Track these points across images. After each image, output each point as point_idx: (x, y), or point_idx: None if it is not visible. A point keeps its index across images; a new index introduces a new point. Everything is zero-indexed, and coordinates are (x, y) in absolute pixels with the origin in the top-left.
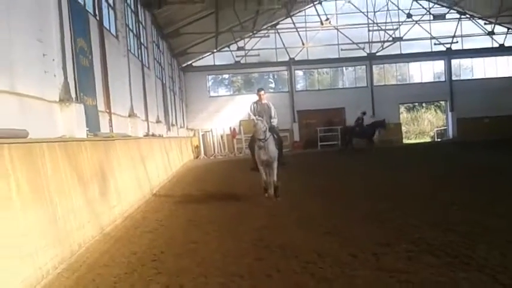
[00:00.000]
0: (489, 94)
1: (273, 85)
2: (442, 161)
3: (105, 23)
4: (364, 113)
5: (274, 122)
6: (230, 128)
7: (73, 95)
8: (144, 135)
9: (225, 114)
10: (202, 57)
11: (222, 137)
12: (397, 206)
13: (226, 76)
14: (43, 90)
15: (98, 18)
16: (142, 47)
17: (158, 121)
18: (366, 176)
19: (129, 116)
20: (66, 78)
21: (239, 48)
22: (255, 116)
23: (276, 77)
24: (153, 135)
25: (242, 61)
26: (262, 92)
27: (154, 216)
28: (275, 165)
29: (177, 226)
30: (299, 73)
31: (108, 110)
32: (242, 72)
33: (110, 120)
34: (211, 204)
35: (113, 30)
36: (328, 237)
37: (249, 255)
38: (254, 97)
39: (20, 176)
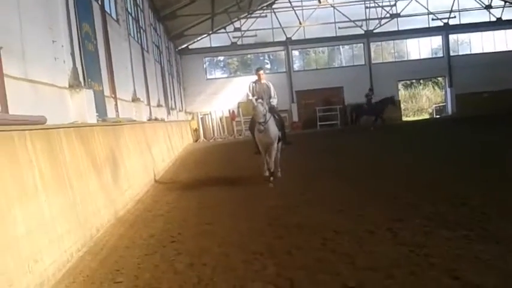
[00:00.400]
0: (487, 69)
1: (269, 66)
2: (446, 137)
3: (106, 7)
4: (371, 89)
5: (274, 102)
6: (229, 111)
7: (81, 81)
8: (148, 120)
9: (223, 96)
10: (199, 40)
11: (221, 119)
12: (406, 183)
13: (223, 58)
14: (54, 76)
15: (99, 2)
16: (141, 30)
17: (159, 105)
18: (371, 155)
19: (133, 100)
20: (74, 64)
21: (235, 29)
22: (253, 96)
23: (271, 57)
24: (155, 119)
25: (239, 42)
26: (261, 71)
27: (164, 199)
28: (275, 145)
29: (189, 208)
30: (295, 53)
31: (113, 95)
32: (239, 54)
33: (116, 105)
34: (219, 186)
35: (113, 14)
36: (342, 215)
37: (267, 234)
38: (251, 78)
39: (42, 163)
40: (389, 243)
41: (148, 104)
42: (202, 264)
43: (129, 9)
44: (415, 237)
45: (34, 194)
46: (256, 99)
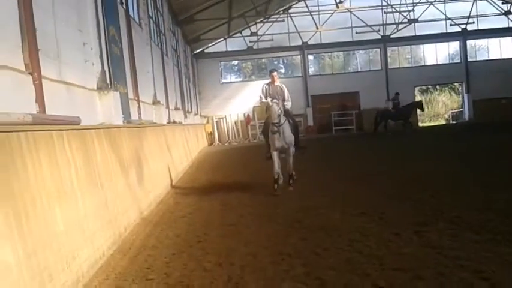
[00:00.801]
0: (505, 75)
1: (283, 70)
2: (466, 142)
3: (130, 11)
4: (397, 93)
5: (288, 105)
6: (244, 115)
7: (108, 83)
8: (167, 123)
9: (238, 100)
10: (215, 44)
11: (236, 123)
12: (427, 187)
13: (237, 62)
14: (84, 78)
15: (124, 6)
16: (161, 34)
17: (177, 108)
18: (389, 159)
19: (153, 103)
20: (102, 66)
21: (252, 34)
22: (266, 98)
23: (285, 61)
24: (174, 122)
25: (255, 46)
26: (275, 73)
27: (185, 201)
28: (291, 151)
29: (211, 210)
30: (310, 57)
31: (136, 98)
32: (255, 58)
33: (139, 107)
34: (238, 189)
35: (136, 18)
36: (365, 218)
37: (292, 236)
38: (266, 82)
39: (78, 163)
40: (415, 245)
41: (167, 107)
42: (230, 263)
43: (150, 13)
44: (442, 239)
45: (71, 193)
46: (271, 100)
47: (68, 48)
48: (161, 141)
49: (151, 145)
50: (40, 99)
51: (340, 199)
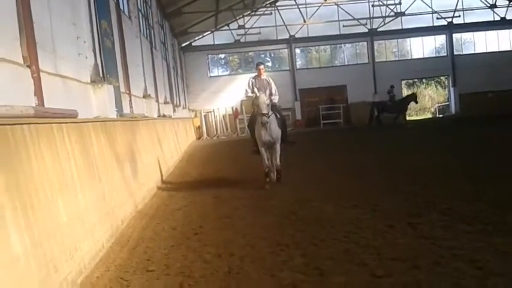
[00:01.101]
0: (491, 68)
1: (270, 64)
2: (454, 135)
3: (120, 4)
4: (392, 87)
5: (275, 99)
6: (232, 108)
7: (101, 77)
8: (157, 116)
9: (226, 94)
10: (202, 37)
11: (224, 117)
12: (417, 179)
13: (225, 56)
14: (78, 72)
15: None
16: (150, 27)
17: (166, 102)
18: (379, 152)
19: (144, 97)
20: (96, 60)
21: (239, 27)
22: (252, 92)
23: (273, 55)
24: (164, 116)
25: (242, 40)
26: (262, 66)
27: (178, 194)
28: (278, 146)
29: (204, 203)
30: (297, 51)
31: (128, 91)
32: (242, 51)
33: (130, 101)
34: (230, 183)
35: (126, 11)
36: (359, 210)
37: (288, 228)
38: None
39: (77, 155)
40: (410, 236)
41: (157, 100)
42: (229, 254)
43: (139, 6)
44: (435, 231)
45: (71, 185)
46: (258, 91)
47: (63, 42)
48: (153, 135)
49: (143, 139)
50: (39, 92)
51: (333, 191)
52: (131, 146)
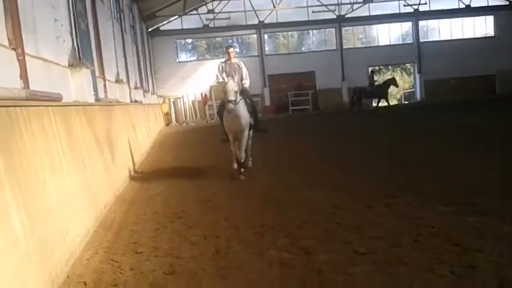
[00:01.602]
0: (455, 55)
1: (238, 49)
2: (421, 121)
3: None
4: (373, 72)
5: (246, 83)
6: (201, 94)
7: (78, 60)
8: (130, 102)
9: (194, 80)
10: (170, 21)
11: (193, 103)
12: (392, 164)
13: (192, 41)
14: (57, 55)
15: None
16: (120, 11)
17: (137, 87)
18: (351, 137)
19: (116, 81)
20: (73, 43)
21: (209, 11)
22: (223, 77)
23: (240, 40)
24: (135, 101)
25: (211, 25)
26: (231, 50)
27: (155, 179)
28: (246, 133)
29: (182, 188)
30: (265, 37)
31: (102, 76)
32: (211, 36)
33: (105, 85)
34: (206, 168)
35: None
36: (338, 193)
37: (270, 211)
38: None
39: (63, 139)
40: (388, 216)
41: (128, 85)
42: (215, 236)
43: None
44: (411, 211)
45: (59, 168)
46: (227, 77)
47: (43, 25)
48: (127, 121)
49: (120, 124)
50: (24, 75)
51: (309, 176)
52: (109, 131)
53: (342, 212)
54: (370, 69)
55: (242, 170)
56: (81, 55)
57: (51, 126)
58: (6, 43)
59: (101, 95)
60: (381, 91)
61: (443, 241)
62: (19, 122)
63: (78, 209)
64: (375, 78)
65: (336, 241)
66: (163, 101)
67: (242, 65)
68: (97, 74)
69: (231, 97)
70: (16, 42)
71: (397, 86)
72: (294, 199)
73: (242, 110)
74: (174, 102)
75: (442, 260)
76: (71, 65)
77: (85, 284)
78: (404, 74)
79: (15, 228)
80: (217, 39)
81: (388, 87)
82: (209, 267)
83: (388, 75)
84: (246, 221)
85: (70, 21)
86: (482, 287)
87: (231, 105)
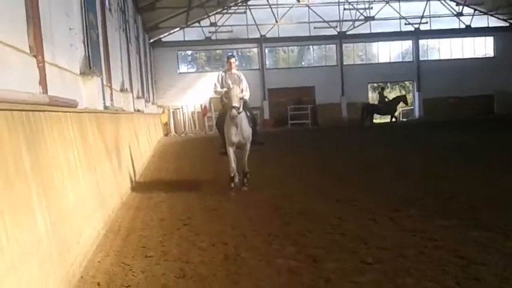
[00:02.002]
0: (455, 75)
1: (237, 62)
2: (420, 139)
3: None
4: (383, 88)
5: (246, 95)
6: (201, 106)
7: (89, 69)
8: (133, 111)
9: (194, 91)
10: (173, 33)
11: (192, 114)
12: (392, 178)
13: (195, 53)
14: (70, 63)
15: None
16: (126, 22)
17: (139, 97)
18: (351, 152)
19: (121, 90)
20: (85, 52)
21: (211, 24)
22: (222, 87)
23: (240, 54)
24: (138, 110)
25: (213, 37)
26: (233, 60)
27: (159, 187)
28: (247, 147)
29: (187, 196)
30: (265, 51)
31: (109, 84)
32: (213, 49)
33: (111, 94)
34: (208, 177)
35: (107, 4)
36: (341, 205)
37: (276, 220)
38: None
39: (78, 144)
40: (393, 229)
41: (132, 95)
42: (223, 243)
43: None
44: (415, 224)
45: (75, 172)
46: (231, 84)
47: (59, 32)
48: (131, 129)
49: (125, 132)
50: (43, 81)
51: (311, 188)
52: (116, 139)
53: (345, 223)
54: (380, 85)
55: (245, 180)
56: (91, 64)
57: (68, 131)
58: (28, 50)
59: (108, 103)
60: (391, 107)
61: (448, 254)
62: (42, 126)
63: (90, 213)
64: (385, 94)
65: (343, 250)
66: (163, 111)
67: (242, 76)
68: (104, 82)
69: (235, 103)
70: (37, 50)
71: (406, 103)
72: (297, 209)
73: (244, 122)
74: (173, 112)
75: (447, 271)
76: (82, 73)
77: (98, 284)
78: (403, 91)
79: (39, 227)
80: (218, 51)
81: (398, 103)
82: (219, 272)
83: (387, 93)
84: (253, 230)
85: (83, 30)
86: None
87: (234, 112)
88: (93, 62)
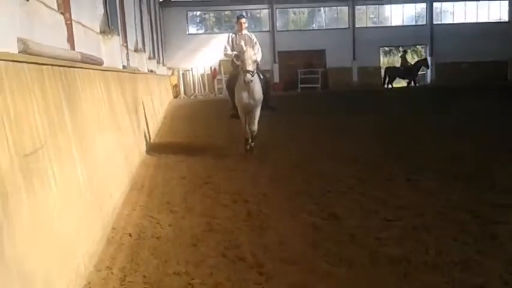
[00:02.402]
0: (468, 39)
1: (247, 24)
2: (435, 102)
3: None
4: (405, 51)
5: (258, 57)
6: (210, 68)
7: (109, 27)
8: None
9: (204, 53)
10: None
11: (202, 76)
12: (408, 143)
13: (204, 14)
14: (92, 21)
15: None
16: None
17: (150, 57)
18: (363, 116)
19: (135, 50)
20: (105, 10)
21: None
22: (232, 50)
23: (249, 15)
24: (151, 71)
25: None
26: (244, 20)
27: (176, 147)
28: (258, 111)
29: (204, 156)
30: (276, 12)
31: (125, 44)
32: (222, 9)
33: (127, 54)
34: (222, 139)
35: None
36: (358, 167)
37: (294, 179)
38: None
39: (105, 102)
40: (410, 189)
41: (145, 55)
42: (244, 201)
43: None
44: (432, 186)
45: (103, 129)
46: (244, 45)
47: None
48: (146, 89)
49: (141, 92)
50: (71, 39)
51: (327, 151)
52: (134, 99)
53: (363, 184)
54: (401, 49)
55: (252, 144)
56: (110, 22)
57: (97, 88)
58: (56, 7)
59: (125, 62)
60: (412, 71)
61: (464, 212)
62: (76, 83)
63: (117, 168)
64: (407, 58)
65: (363, 209)
66: (172, 73)
67: (253, 37)
68: (120, 42)
69: (249, 67)
70: (64, 7)
71: (428, 67)
72: (316, 170)
73: (257, 86)
74: (183, 74)
75: (464, 229)
76: (102, 32)
77: (130, 235)
78: (415, 56)
79: (79, 179)
80: (227, 12)
81: (420, 68)
82: (244, 226)
83: (398, 57)
84: (273, 188)
85: None
86: (505, 254)
87: (249, 76)
88: (111, 21)
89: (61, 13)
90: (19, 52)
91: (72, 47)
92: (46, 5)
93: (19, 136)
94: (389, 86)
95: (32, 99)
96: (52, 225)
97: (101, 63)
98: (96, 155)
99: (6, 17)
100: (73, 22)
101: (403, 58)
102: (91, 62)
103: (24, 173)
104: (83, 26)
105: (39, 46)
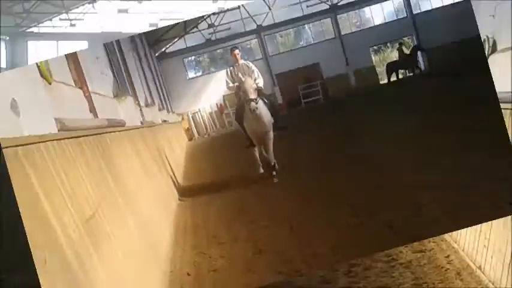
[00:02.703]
0: (450, 20)
1: (241, 54)
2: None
3: None
4: (401, 44)
5: (260, 83)
6: (216, 105)
7: (120, 90)
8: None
9: (207, 92)
10: (174, 42)
11: (210, 114)
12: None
13: (198, 57)
14: (105, 88)
15: None
16: (133, 41)
17: (160, 109)
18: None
19: (146, 105)
20: (113, 75)
21: (209, 26)
22: (233, 82)
23: (240, 47)
24: (164, 121)
25: (212, 38)
26: (237, 51)
27: (206, 184)
28: (271, 135)
29: (232, 187)
30: (265, 39)
31: (137, 102)
32: (215, 49)
33: (141, 110)
34: (247, 168)
35: None
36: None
37: None
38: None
39: (135, 157)
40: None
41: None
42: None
43: None
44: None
45: (140, 180)
46: (242, 76)
47: (89, 63)
48: (164, 138)
49: (162, 141)
50: (93, 108)
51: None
52: (157, 148)
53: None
54: (399, 41)
55: (274, 173)
56: (120, 86)
57: (126, 146)
58: (72, 83)
59: (140, 119)
60: (410, 60)
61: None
62: (109, 145)
63: (160, 212)
64: (404, 49)
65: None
66: (182, 118)
67: (251, 65)
68: (133, 101)
69: (251, 95)
70: (80, 82)
71: (424, 50)
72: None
73: (263, 111)
74: (192, 117)
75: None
76: (115, 96)
77: (188, 274)
78: (404, 48)
79: (133, 233)
80: (218, 51)
81: (416, 54)
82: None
83: (388, 53)
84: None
85: (107, 56)
86: None
87: (253, 105)
88: (121, 83)
89: (79, 88)
90: (59, 131)
91: (95, 115)
92: (66, 84)
93: (78, 204)
94: (394, 79)
95: (77, 167)
96: (119, 279)
97: (123, 124)
98: (139, 205)
99: (40, 101)
100: (91, 93)
101: (400, 50)
102: (116, 124)
103: (90, 237)
104: (99, 94)
105: (73, 121)
